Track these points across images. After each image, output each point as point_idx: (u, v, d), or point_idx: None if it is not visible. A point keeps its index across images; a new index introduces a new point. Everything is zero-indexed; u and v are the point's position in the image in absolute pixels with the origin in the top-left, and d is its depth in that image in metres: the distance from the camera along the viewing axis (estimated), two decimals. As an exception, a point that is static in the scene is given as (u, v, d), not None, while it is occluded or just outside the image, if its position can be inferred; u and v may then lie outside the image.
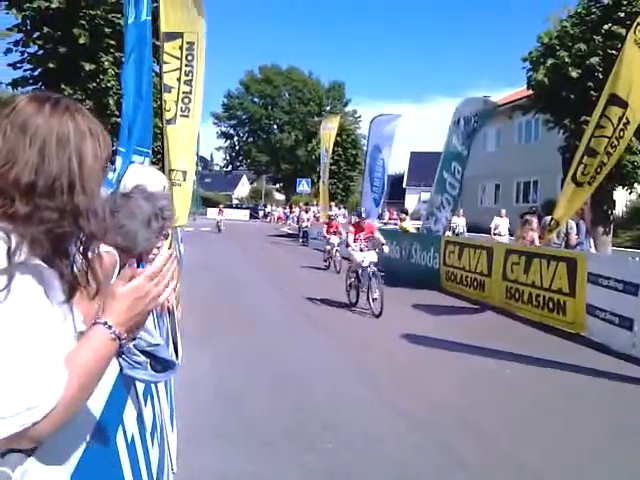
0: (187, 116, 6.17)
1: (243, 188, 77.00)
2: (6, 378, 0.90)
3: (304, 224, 25.53)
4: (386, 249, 9.33)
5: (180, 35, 6.07)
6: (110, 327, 1.10)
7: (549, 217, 9.04)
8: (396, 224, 20.25)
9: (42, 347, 0.95)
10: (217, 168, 68.94)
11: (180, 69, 6.10)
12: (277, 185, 63.92)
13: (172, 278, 1.24)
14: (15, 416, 0.90)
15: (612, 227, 14.46)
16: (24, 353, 0.92)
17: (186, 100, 6.15)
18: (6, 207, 1.00)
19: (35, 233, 1.00)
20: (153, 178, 3.09)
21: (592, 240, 10.08)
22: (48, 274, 1.03)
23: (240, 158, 60.82)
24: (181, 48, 6.07)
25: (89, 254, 1.14)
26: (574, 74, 12.69)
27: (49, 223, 1.03)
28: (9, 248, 0.95)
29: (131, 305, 1.15)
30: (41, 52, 15.35)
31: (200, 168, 48.46)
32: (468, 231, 18.91)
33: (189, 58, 6.10)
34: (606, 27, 12.60)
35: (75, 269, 1.12)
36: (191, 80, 6.13)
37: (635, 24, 7.38)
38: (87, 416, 1.33)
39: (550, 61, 13.17)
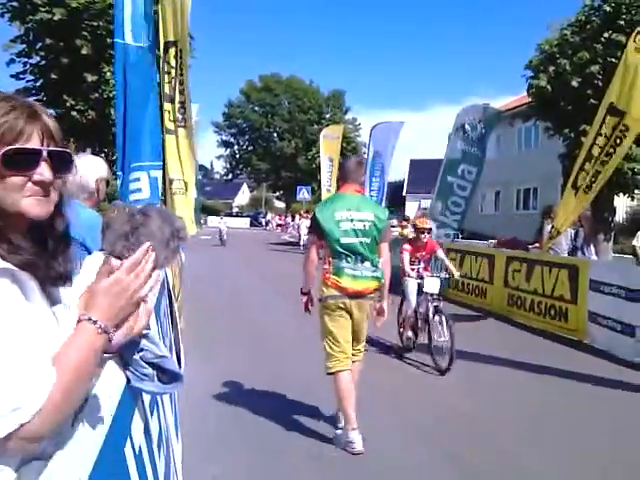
0: (184, 126, 6.08)
1: (243, 196, 77.13)
2: None
3: (304, 232, 25.62)
4: (456, 274, 6.99)
5: (175, 44, 5.94)
6: (95, 322, 1.10)
7: (550, 225, 9.05)
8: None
9: (24, 348, 0.96)
10: (217, 176, 69.04)
11: (175, 78, 5.99)
12: (277, 193, 63.97)
13: (153, 271, 1.23)
14: (0, 418, 0.91)
15: (613, 234, 14.46)
16: (5, 355, 0.93)
17: (182, 110, 6.05)
18: None
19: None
20: (90, 167, 3.05)
21: (593, 247, 10.08)
22: (20, 276, 1.03)
23: (240, 166, 60.87)
24: (175, 57, 5.95)
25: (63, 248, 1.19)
26: (574, 83, 12.73)
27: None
28: None
29: (113, 299, 1.14)
30: (43, 63, 15.44)
31: (200, 177, 48.50)
32: (468, 238, 18.89)
33: (181, 67, 5.98)
34: (606, 35, 12.66)
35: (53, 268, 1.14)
36: (184, 89, 6.03)
37: (635, 32, 7.41)
38: (96, 428, 1.34)
39: (551, 68, 13.22)
